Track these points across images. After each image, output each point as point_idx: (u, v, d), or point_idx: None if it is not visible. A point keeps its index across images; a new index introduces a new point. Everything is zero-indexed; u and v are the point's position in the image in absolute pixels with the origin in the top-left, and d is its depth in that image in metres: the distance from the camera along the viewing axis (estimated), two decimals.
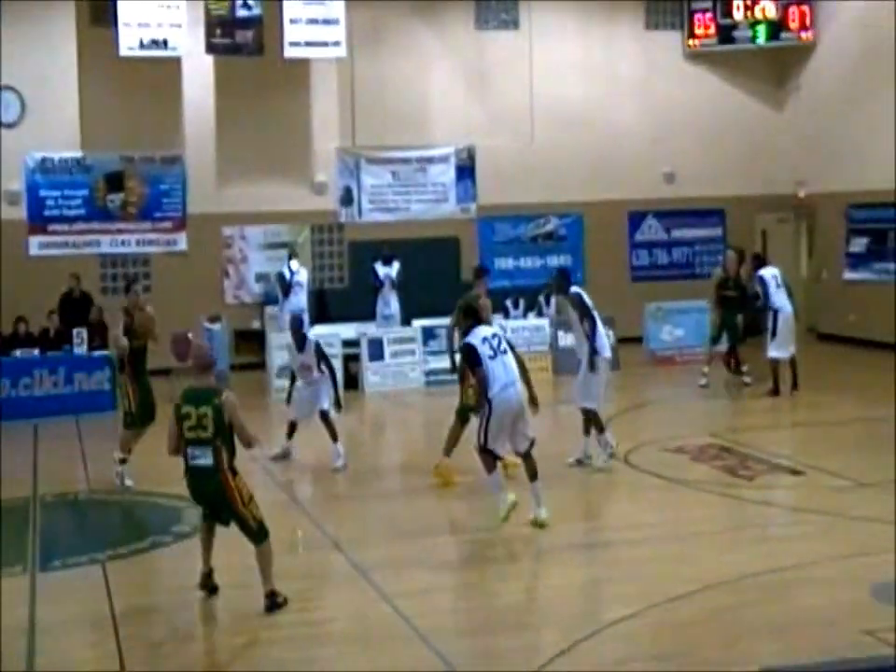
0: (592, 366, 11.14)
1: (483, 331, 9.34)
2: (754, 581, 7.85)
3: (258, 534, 7.64)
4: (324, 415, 12.05)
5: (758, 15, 21.31)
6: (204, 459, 7.48)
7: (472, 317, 9.50)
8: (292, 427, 12.34)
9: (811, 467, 11.17)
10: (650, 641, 6.95)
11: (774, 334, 14.95)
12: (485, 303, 11.54)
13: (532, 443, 9.37)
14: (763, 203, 21.90)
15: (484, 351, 9.14)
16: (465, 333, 9.46)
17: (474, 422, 9.86)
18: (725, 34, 21.46)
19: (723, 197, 21.76)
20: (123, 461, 11.34)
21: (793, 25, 21.26)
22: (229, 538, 7.87)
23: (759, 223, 22.09)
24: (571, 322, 11.70)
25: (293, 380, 12.58)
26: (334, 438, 11.92)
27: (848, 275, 20.08)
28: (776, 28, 21.30)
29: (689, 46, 21.67)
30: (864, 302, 19.53)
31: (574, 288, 11.57)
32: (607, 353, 11.37)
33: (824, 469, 11.01)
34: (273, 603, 7.53)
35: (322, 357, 12.25)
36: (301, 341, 12.26)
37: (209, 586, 7.87)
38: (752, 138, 21.81)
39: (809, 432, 12.54)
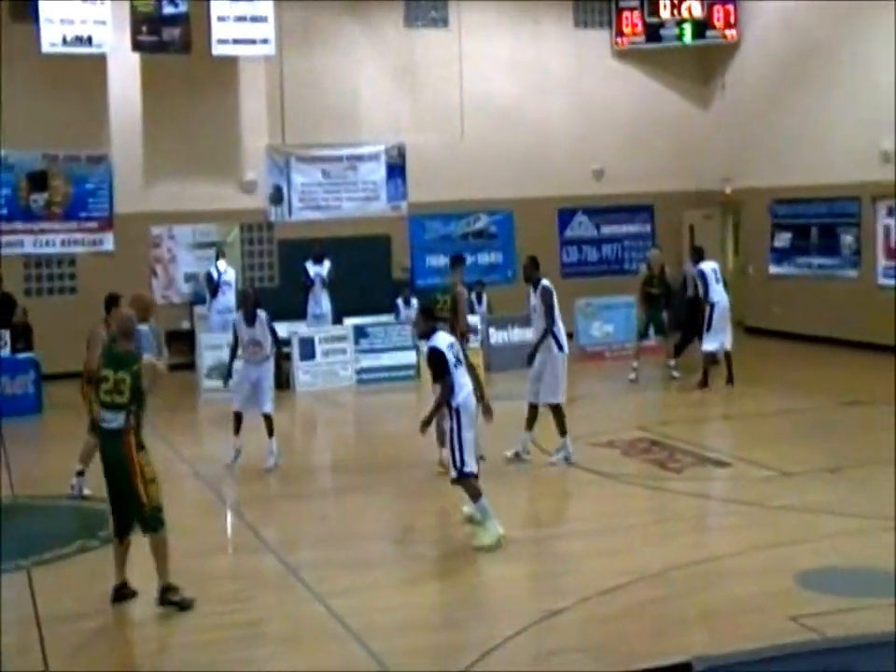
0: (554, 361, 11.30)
1: (446, 337, 8.90)
2: (684, 572, 7.95)
3: (149, 520, 7.47)
4: (266, 415, 11.88)
5: (684, 14, 21.59)
6: (116, 423, 7.45)
7: (432, 320, 9.08)
8: (238, 420, 11.83)
9: (738, 458, 11.35)
10: (581, 634, 7.00)
11: (709, 327, 15.18)
12: (461, 292, 11.90)
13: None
14: (690, 200, 22.20)
15: (450, 358, 8.73)
16: (426, 336, 8.95)
17: None
18: (652, 32, 21.71)
19: (651, 193, 22.02)
20: (81, 473, 10.58)
21: (718, 24, 21.58)
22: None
23: (686, 219, 22.38)
24: (534, 313, 11.64)
25: (234, 355, 12.20)
26: (270, 433, 11.77)
27: (773, 270, 20.43)
28: (701, 27, 21.60)
29: (617, 44, 21.87)
30: (788, 296, 19.90)
31: (545, 281, 11.61)
32: (566, 349, 11.52)
33: (750, 461, 11.20)
34: (166, 599, 7.38)
35: (273, 332, 12.00)
36: (251, 315, 11.90)
37: (124, 596, 7.63)
38: (680, 135, 22.09)
39: (736, 424, 12.74)
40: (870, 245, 18.33)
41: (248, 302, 12.09)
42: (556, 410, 11.44)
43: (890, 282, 18.06)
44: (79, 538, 9.44)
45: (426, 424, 8.85)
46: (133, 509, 7.48)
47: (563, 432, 11.41)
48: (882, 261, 18.26)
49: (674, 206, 22.15)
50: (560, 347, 11.40)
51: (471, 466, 8.62)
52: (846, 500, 9.53)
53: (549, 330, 11.34)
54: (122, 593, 7.65)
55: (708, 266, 15.68)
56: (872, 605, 7.01)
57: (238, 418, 11.91)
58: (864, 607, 6.99)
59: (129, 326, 7.71)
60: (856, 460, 11.16)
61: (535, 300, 11.54)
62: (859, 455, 11.46)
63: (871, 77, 18.35)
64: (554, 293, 11.57)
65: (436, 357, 8.73)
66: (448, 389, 8.62)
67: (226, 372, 12.46)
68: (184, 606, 7.41)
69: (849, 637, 4.34)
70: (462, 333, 11.67)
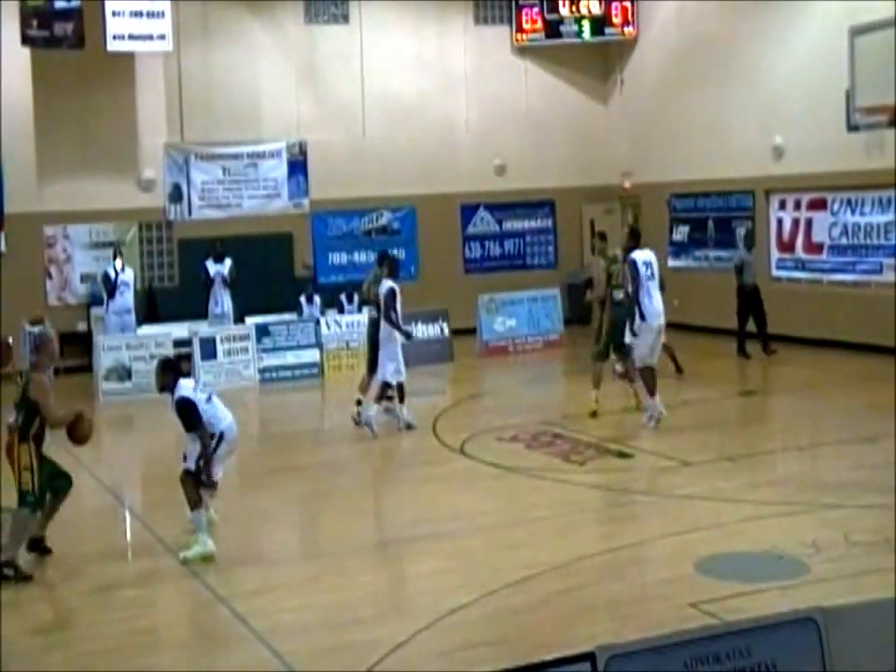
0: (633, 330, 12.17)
1: (189, 383, 8.73)
2: (588, 562, 8.04)
3: (20, 499, 8.39)
4: None
5: (583, 11, 21.83)
6: (13, 419, 8.58)
7: (173, 372, 8.70)
8: None
9: (639, 449, 11.52)
10: (487, 628, 7.03)
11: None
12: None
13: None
14: (590, 194, 22.47)
15: (201, 399, 8.55)
16: (169, 389, 8.59)
17: None
18: (552, 28, 21.90)
19: (552, 188, 22.22)
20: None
21: (616, 21, 21.87)
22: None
23: (587, 213, 22.65)
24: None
25: None
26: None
27: (672, 263, 20.78)
28: (600, 24, 21.87)
29: (517, 40, 22.02)
30: (686, 289, 20.24)
31: (632, 254, 12.32)
32: (652, 320, 12.19)
33: (652, 452, 11.38)
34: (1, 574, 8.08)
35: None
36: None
37: (40, 549, 8.52)
38: (580, 131, 22.35)
39: (637, 416, 12.90)
40: (763, 238, 18.77)
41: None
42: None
43: (783, 273, 18.55)
44: None
45: (202, 473, 8.55)
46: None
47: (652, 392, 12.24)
48: (775, 254, 18.73)
49: (575, 201, 22.40)
50: (643, 317, 12.14)
51: (215, 476, 8.61)
52: (743, 488, 9.74)
53: (634, 301, 12.18)
54: (38, 547, 8.55)
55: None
56: (768, 588, 7.18)
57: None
58: (761, 591, 7.15)
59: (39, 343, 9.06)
60: (753, 449, 11.42)
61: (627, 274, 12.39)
62: (755, 444, 11.73)
63: (764, 75, 18.80)
64: (640, 266, 12.24)
65: (187, 408, 8.47)
66: (207, 439, 8.46)
67: None
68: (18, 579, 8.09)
69: (746, 620, 4.42)
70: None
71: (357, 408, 13.19)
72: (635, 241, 12.89)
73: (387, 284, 12.82)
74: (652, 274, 12.39)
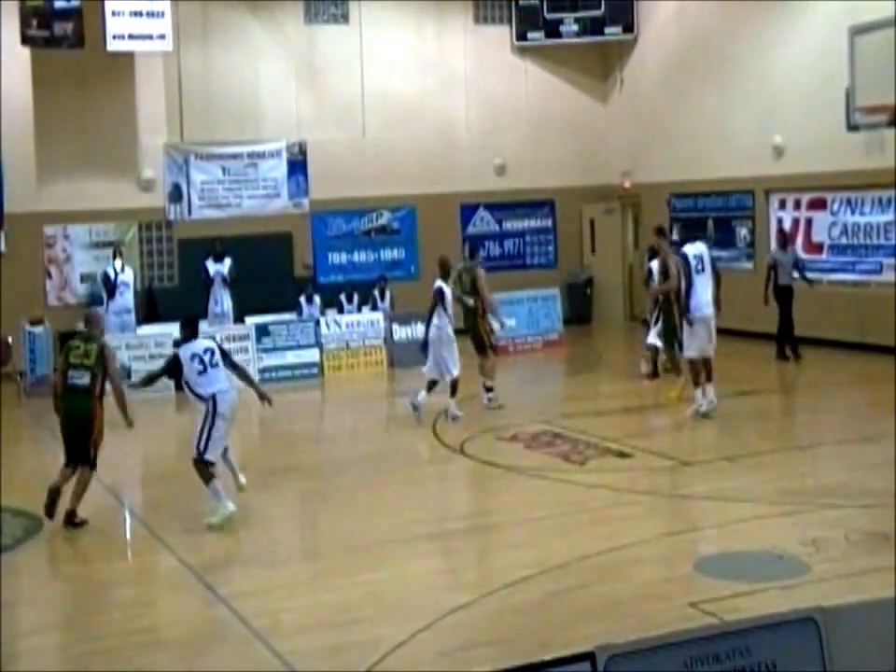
0: (689, 321, 12.53)
1: (196, 347, 9.50)
2: (588, 562, 8.03)
3: (93, 461, 9.36)
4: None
5: (583, 11, 21.81)
6: (82, 381, 9.32)
7: (190, 329, 9.73)
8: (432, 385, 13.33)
9: (639, 449, 11.51)
10: (487, 627, 7.02)
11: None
12: (481, 272, 13.80)
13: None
14: (590, 194, 22.47)
15: (194, 366, 9.33)
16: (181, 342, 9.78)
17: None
18: (552, 28, 21.90)
19: (552, 188, 22.22)
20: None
21: (616, 21, 21.84)
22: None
23: (587, 213, 22.65)
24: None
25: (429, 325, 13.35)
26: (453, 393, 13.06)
27: None
28: (600, 24, 21.86)
29: (517, 39, 22.01)
30: None
31: (684, 248, 12.71)
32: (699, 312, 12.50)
33: (651, 451, 11.37)
34: (72, 521, 9.10)
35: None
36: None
37: (52, 497, 9.13)
38: (580, 131, 22.35)
39: (637, 416, 12.92)
40: (763, 238, 18.77)
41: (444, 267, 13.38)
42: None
43: None
44: None
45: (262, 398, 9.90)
46: (81, 455, 9.32)
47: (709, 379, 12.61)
48: None
49: (574, 201, 22.40)
50: (688, 310, 12.51)
51: (211, 455, 9.27)
52: (742, 488, 9.74)
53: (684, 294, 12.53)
54: (74, 521, 9.18)
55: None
56: (767, 588, 7.18)
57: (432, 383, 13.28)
58: (761, 590, 7.15)
59: (95, 316, 10.40)
60: (753, 449, 11.42)
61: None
62: (755, 444, 11.73)
63: (764, 75, 18.81)
64: (691, 260, 12.56)
65: (169, 359, 9.97)
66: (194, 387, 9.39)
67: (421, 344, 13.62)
68: (80, 524, 9.15)
69: (746, 619, 4.42)
70: (484, 311, 13.69)
71: (488, 394, 13.91)
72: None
73: (437, 284, 13.52)
74: (703, 268, 12.71)
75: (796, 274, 16.52)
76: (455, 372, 13.23)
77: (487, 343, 13.99)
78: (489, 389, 13.98)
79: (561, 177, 22.15)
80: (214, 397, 9.22)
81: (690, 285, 12.47)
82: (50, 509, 9.16)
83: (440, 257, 14.08)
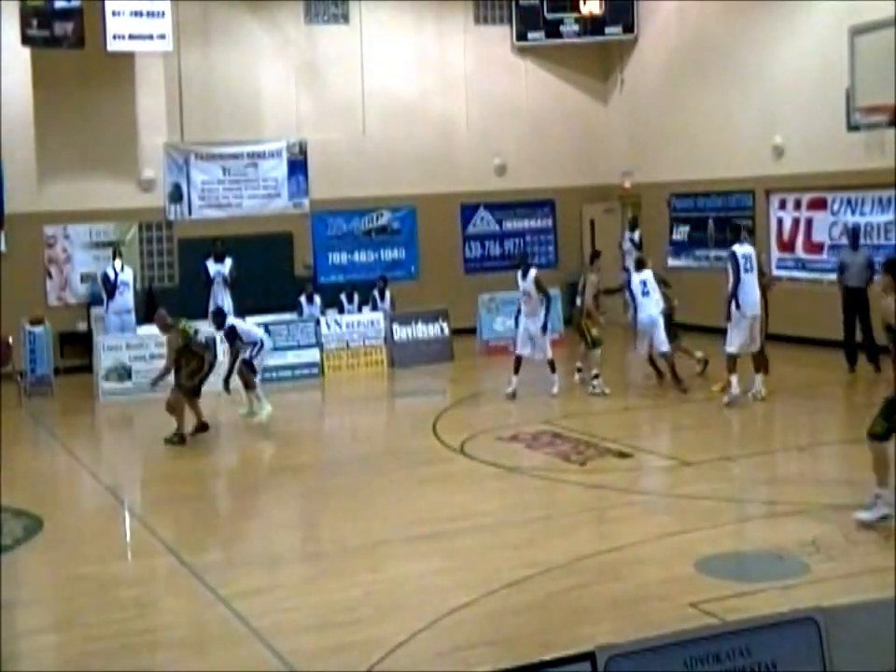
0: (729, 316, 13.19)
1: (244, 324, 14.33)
2: (588, 562, 8.04)
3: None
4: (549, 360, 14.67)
5: (583, 11, 21.82)
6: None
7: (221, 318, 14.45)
8: (518, 362, 14.62)
9: (639, 449, 11.52)
10: (487, 627, 7.02)
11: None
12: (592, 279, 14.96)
13: None
14: (590, 194, 22.47)
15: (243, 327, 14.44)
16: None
17: None
18: (552, 28, 21.90)
19: (553, 188, 22.22)
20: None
21: (617, 20, 21.84)
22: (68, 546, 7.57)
23: (587, 213, 22.66)
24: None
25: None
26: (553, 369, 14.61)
27: (672, 262, 20.79)
28: (600, 23, 21.86)
29: (517, 39, 22.02)
30: (686, 288, 20.22)
31: (733, 247, 13.41)
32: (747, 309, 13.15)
33: (651, 451, 11.38)
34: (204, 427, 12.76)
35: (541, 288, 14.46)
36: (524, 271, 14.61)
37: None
38: (580, 130, 22.35)
39: (636, 416, 12.93)
40: (764, 238, 18.77)
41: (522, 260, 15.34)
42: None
43: (783, 273, 18.53)
44: None
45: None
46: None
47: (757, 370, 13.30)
48: (776, 253, 18.73)
49: (575, 201, 22.40)
50: (738, 307, 13.10)
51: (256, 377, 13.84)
52: (743, 488, 9.75)
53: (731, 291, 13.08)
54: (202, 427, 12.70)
55: (639, 277, 14.92)
56: (767, 588, 7.18)
57: (518, 360, 14.57)
58: (761, 590, 7.15)
59: (163, 321, 13.94)
60: (753, 449, 11.42)
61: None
62: (755, 444, 11.73)
63: (764, 75, 18.80)
64: (739, 259, 13.21)
65: (230, 330, 13.96)
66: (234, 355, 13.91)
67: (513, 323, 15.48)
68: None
69: (746, 619, 4.42)
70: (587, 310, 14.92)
71: (579, 374, 15.26)
72: (735, 235, 14.71)
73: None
74: (751, 267, 13.43)
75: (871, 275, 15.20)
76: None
77: (587, 338, 15.00)
78: (595, 377, 14.67)
79: (561, 177, 22.15)
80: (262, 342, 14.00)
81: (738, 283, 13.05)
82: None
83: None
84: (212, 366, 13.50)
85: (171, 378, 13.01)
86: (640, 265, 15.45)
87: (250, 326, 14.36)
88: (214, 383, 13.72)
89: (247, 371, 13.75)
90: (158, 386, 13.19)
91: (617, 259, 20.46)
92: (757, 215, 19.05)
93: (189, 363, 12.94)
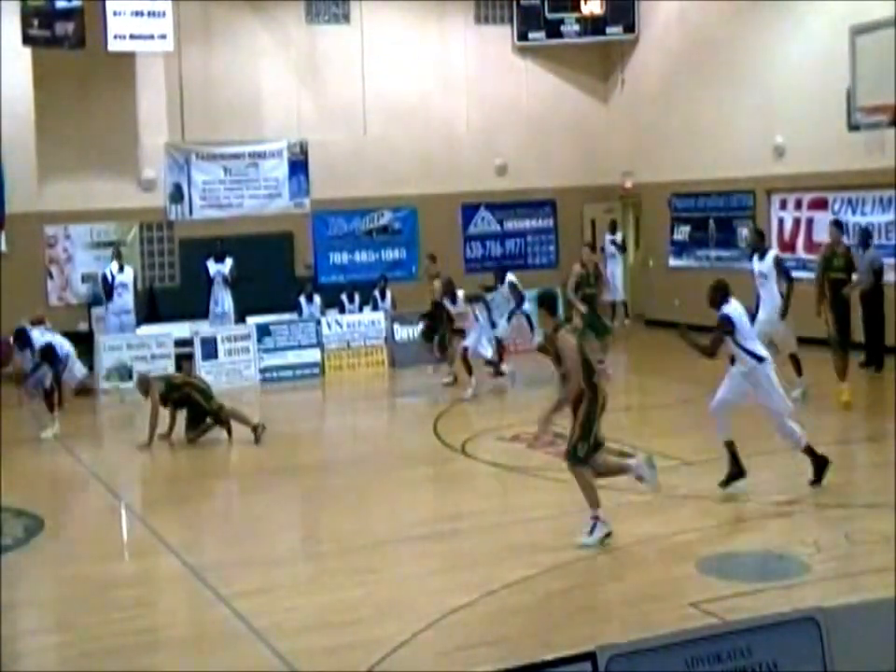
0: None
1: None
2: (589, 562, 8.04)
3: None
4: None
5: (584, 11, 21.82)
6: None
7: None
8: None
9: (640, 449, 11.48)
10: (487, 627, 7.02)
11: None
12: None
13: None
14: (591, 194, 22.46)
15: None
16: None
17: None
18: (552, 28, 21.90)
19: (553, 188, 22.22)
20: None
21: (617, 21, 21.84)
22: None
23: (588, 213, 22.65)
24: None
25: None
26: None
27: (673, 262, 20.80)
28: (600, 23, 21.85)
29: (518, 39, 22.01)
30: (687, 288, 20.24)
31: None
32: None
33: (652, 450, 11.33)
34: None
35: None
36: None
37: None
38: (580, 130, 22.34)
39: (638, 415, 12.92)
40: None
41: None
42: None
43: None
44: None
45: None
46: None
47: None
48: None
49: (575, 201, 22.39)
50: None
51: None
52: (742, 488, 9.73)
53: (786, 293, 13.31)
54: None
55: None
56: (768, 588, 7.18)
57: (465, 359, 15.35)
58: (761, 590, 7.15)
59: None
60: (752, 449, 11.38)
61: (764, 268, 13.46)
62: (755, 444, 11.69)
63: (765, 74, 18.80)
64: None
65: None
66: None
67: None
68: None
69: (746, 619, 4.42)
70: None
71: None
72: (761, 239, 14.92)
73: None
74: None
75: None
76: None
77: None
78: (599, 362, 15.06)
79: (562, 177, 22.14)
80: None
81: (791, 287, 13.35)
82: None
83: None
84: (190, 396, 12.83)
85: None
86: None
87: (61, 339, 14.13)
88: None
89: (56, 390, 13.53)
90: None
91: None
92: (758, 215, 19.04)
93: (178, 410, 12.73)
